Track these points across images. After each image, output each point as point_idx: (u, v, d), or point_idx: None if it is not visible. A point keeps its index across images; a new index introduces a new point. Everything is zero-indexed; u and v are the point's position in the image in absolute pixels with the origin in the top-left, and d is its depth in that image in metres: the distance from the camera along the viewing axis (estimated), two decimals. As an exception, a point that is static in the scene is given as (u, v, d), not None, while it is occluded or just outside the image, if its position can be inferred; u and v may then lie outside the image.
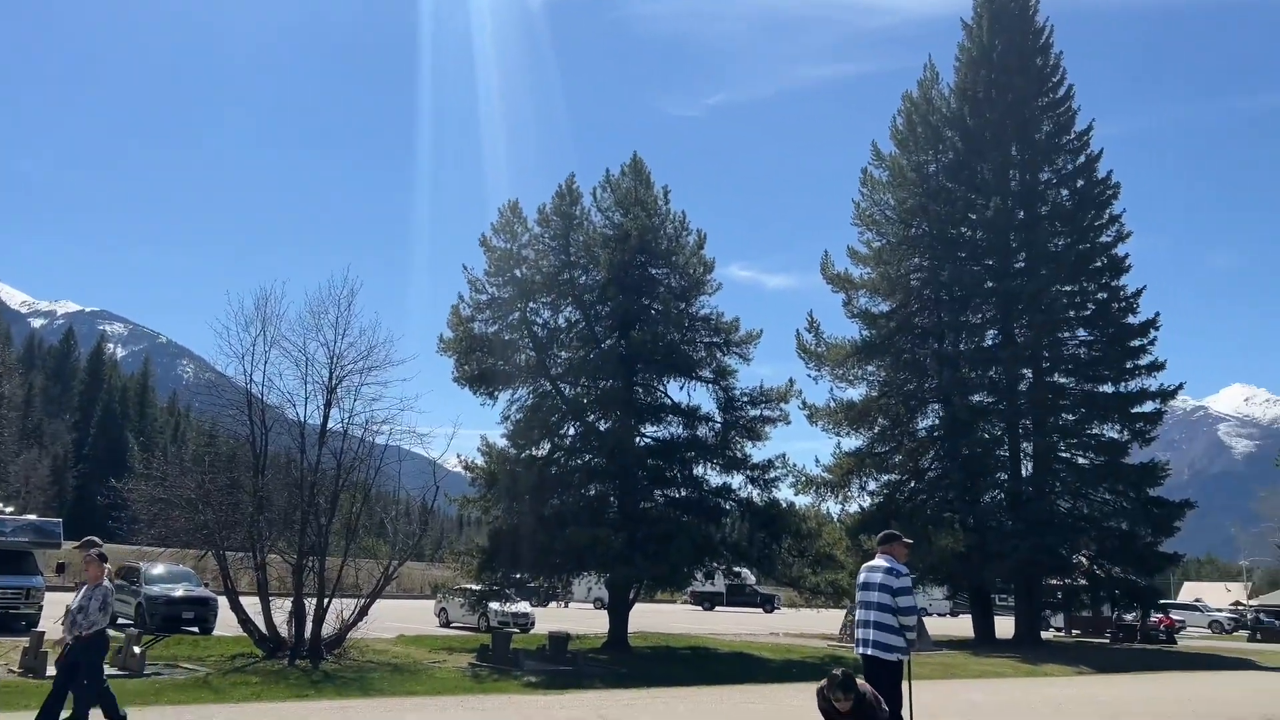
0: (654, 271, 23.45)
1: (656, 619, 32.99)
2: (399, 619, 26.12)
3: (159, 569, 21.28)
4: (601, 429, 22.92)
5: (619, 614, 21.90)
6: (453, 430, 19.25)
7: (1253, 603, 72.51)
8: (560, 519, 20.96)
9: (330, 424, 17.66)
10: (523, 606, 26.00)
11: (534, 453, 22.31)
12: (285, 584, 17.21)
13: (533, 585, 22.85)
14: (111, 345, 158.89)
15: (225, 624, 18.63)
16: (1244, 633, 46.18)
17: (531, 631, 25.09)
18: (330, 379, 17.49)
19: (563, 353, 23.32)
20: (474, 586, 22.73)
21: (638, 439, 23.14)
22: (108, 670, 9.48)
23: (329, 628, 16.59)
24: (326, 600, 16.52)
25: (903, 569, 7.91)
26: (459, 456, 22.25)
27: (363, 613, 17.08)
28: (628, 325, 22.51)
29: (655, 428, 23.67)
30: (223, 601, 17.83)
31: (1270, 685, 19.40)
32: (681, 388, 23.65)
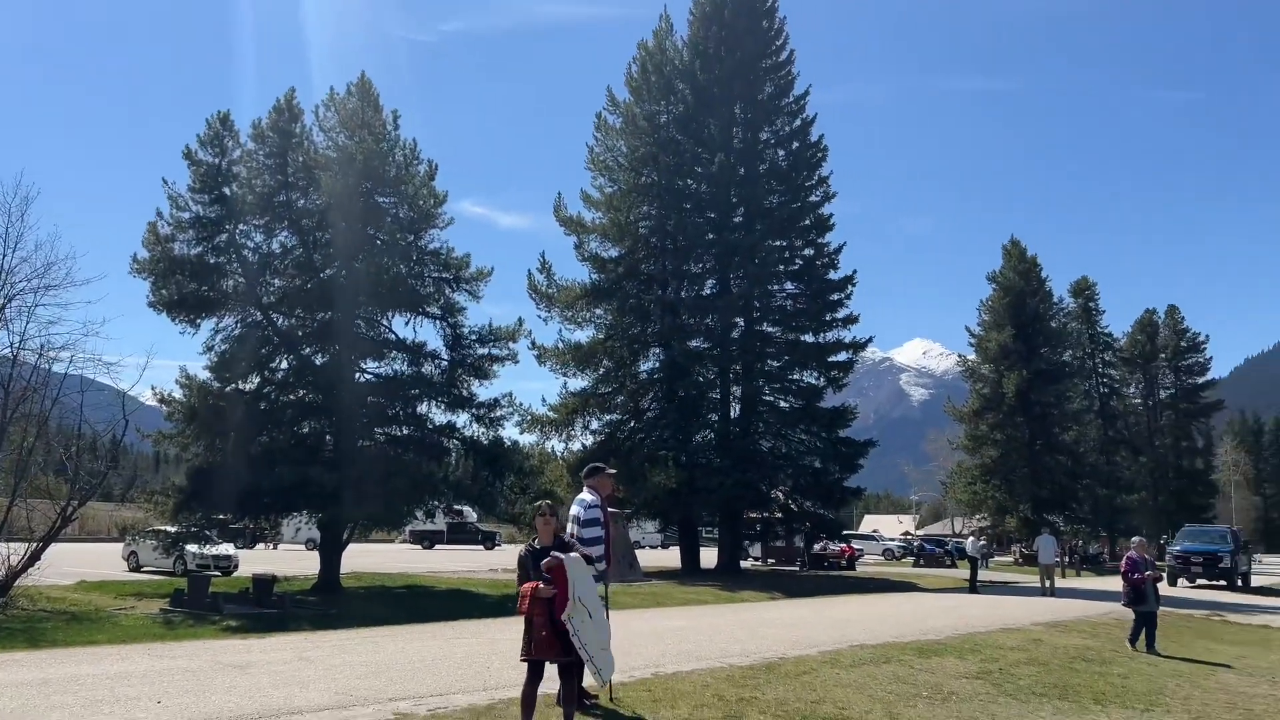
0: (380, 200, 22.42)
1: (373, 559, 32.36)
2: (81, 564, 23.93)
3: None
4: (318, 363, 21.81)
5: (331, 555, 21.15)
6: (146, 359, 17.61)
7: (919, 533, 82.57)
8: (269, 457, 19.82)
9: (-3, 349, 15.63)
10: (225, 549, 24.50)
11: (241, 386, 20.83)
12: (-62, 528, 15.18)
13: (237, 527, 21.55)
14: None
15: None
16: (910, 559, 52.35)
17: (234, 574, 23.78)
18: (-3, 297, 15.44)
19: (277, 280, 21.84)
20: (169, 528, 21.12)
21: (358, 375, 22.25)
22: None
23: (-9, 575, 14.83)
24: (-11, 545, 14.73)
25: (592, 500, 8.04)
26: (154, 389, 20.37)
27: (34, 557, 15.40)
28: (350, 255, 21.44)
29: (377, 364, 22.83)
30: None
31: (929, 604, 22.11)
32: (407, 323, 22.94)
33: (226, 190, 20.51)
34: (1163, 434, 71.56)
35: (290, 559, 31.87)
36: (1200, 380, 73.36)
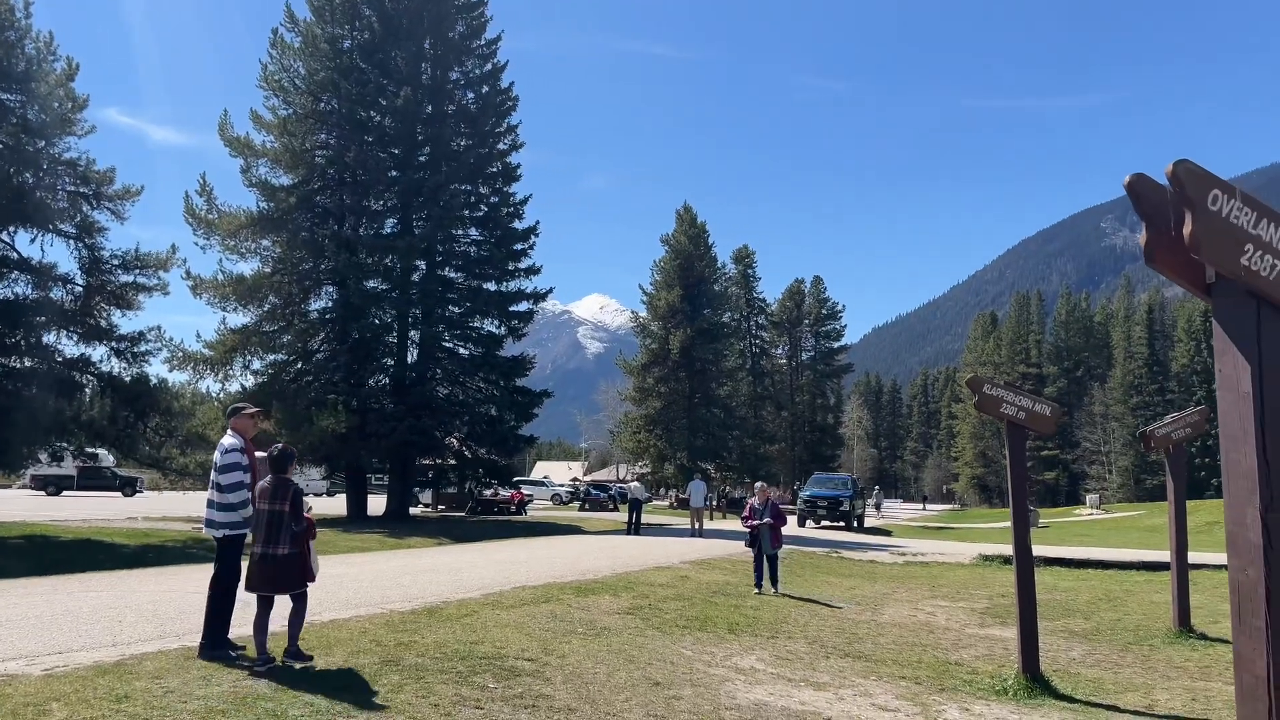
0: (4, 97, 19.44)
1: (-17, 507, 28.43)
2: None
3: None
4: (-86, 280, 18.66)
5: (-72, 502, 18.35)
6: None
7: (587, 479, 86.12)
8: None
9: None
10: None
11: None
12: None
13: None
14: None
15: None
16: (578, 503, 54.50)
17: None
18: None
19: None
20: None
21: (-33, 296, 19.31)
22: None
23: None
24: None
25: (232, 443, 7.57)
26: None
27: None
28: (-40, 157, 18.46)
29: (-6, 286, 19.93)
30: None
31: (591, 546, 23.17)
32: (33, 240, 20.20)
33: None
34: (802, 391, 79.76)
35: None
36: (836, 345, 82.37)
